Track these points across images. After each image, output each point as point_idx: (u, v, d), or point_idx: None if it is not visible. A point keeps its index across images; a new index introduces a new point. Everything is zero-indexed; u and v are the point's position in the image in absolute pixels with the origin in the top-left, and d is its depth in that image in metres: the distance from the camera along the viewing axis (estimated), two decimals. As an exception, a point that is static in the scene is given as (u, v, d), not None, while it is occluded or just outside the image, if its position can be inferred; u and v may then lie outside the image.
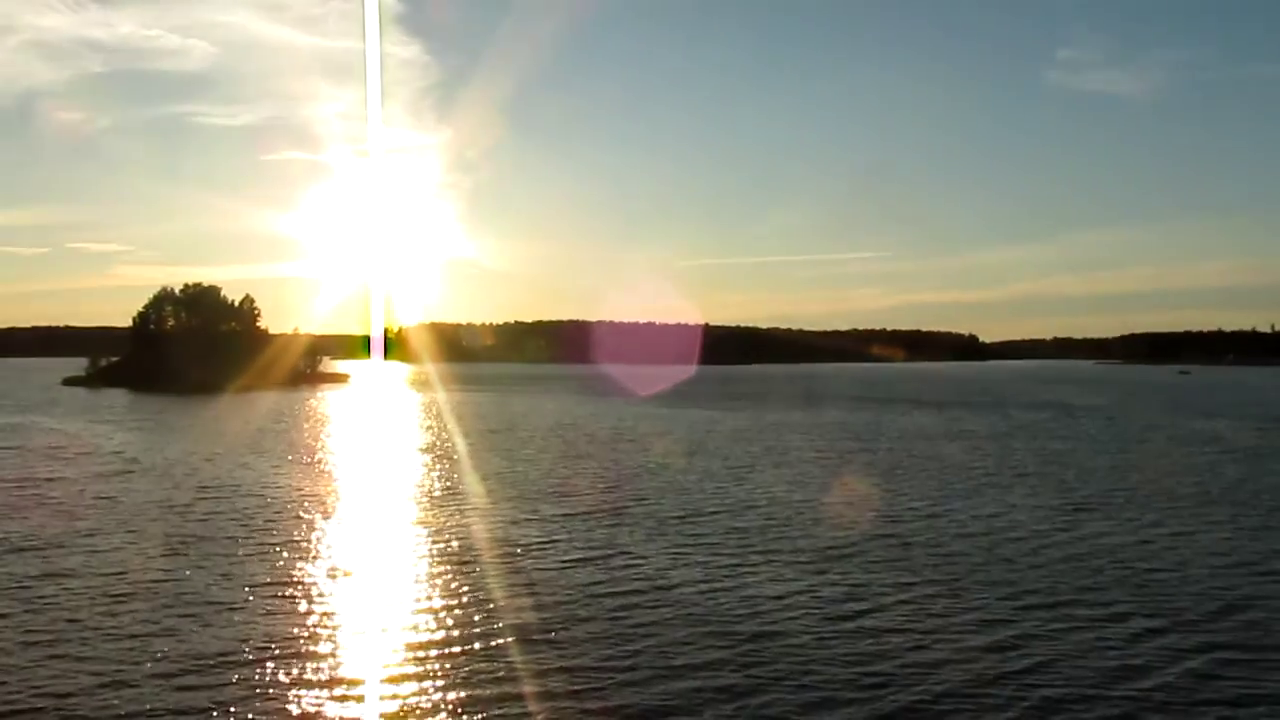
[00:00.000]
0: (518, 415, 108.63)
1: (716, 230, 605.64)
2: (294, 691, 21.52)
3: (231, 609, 27.89)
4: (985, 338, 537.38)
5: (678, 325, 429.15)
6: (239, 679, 22.14)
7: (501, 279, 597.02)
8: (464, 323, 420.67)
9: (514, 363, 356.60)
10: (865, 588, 30.84)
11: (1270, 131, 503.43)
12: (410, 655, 24.05)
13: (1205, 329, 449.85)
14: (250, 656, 23.64)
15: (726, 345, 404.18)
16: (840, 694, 21.71)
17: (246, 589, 30.11)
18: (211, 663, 23.17)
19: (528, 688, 21.81)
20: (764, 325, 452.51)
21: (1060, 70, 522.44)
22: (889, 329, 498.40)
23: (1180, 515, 44.05)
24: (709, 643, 24.99)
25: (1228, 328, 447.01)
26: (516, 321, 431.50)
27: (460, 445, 74.05)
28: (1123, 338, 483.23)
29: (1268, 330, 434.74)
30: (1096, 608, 28.63)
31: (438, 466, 61.03)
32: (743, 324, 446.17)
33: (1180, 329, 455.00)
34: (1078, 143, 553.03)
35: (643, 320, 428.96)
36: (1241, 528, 41.27)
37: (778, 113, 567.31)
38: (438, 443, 77.08)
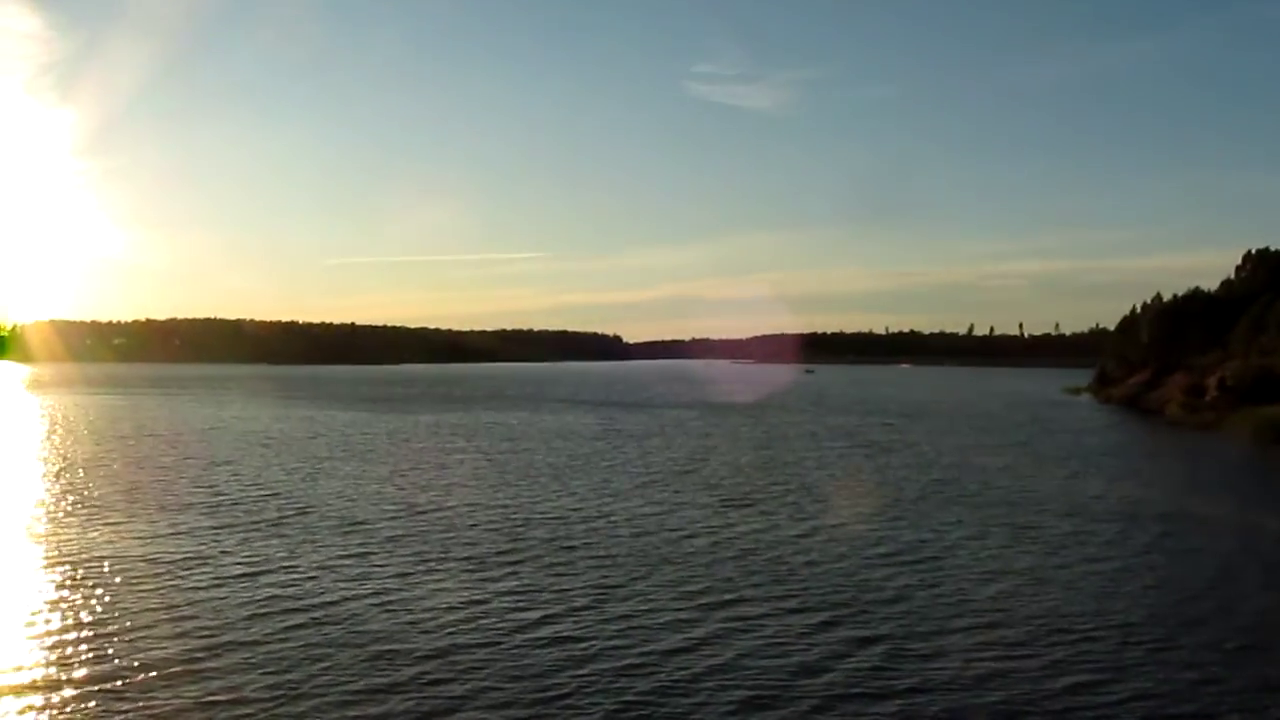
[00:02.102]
0: (154, 420, 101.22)
1: (365, 226, 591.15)
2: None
3: None
4: (629, 338, 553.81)
5: (323, 325, 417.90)
6: None
7: (134, 272, 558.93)
8: (89, 320, 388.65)
9: (150, 363, 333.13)
10: (536, 594, 30.41)
11: (885, 149, 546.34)
12: (35, 697, 21.30)
13: (829, 330, 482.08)
14: None
15: (376, 345, 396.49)
16: (521, 708, 21.07)
17: None
18: None
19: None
20: (413, 325, 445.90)
21: (699, 82, 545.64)
22: (538, 329, 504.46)
23: (828, 508, 46.58)
24: (378, 662, 23.69)
25: (848, 329, 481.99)
26: (149, 320, 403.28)
27: (87, 453, 67.59)
28: (757, 338, 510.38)
29: (883, 332, 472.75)
30: (763, 603, 29.49)
31: (59, 477, 55.11)
32: (390, 323, 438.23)
33: (808, 330, 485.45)
34: (716, 153, 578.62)
35: (285, 319, 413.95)
36: (884, 518, 44.03)
37: (427, 107, 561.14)
38: (59, 451, 69.80)
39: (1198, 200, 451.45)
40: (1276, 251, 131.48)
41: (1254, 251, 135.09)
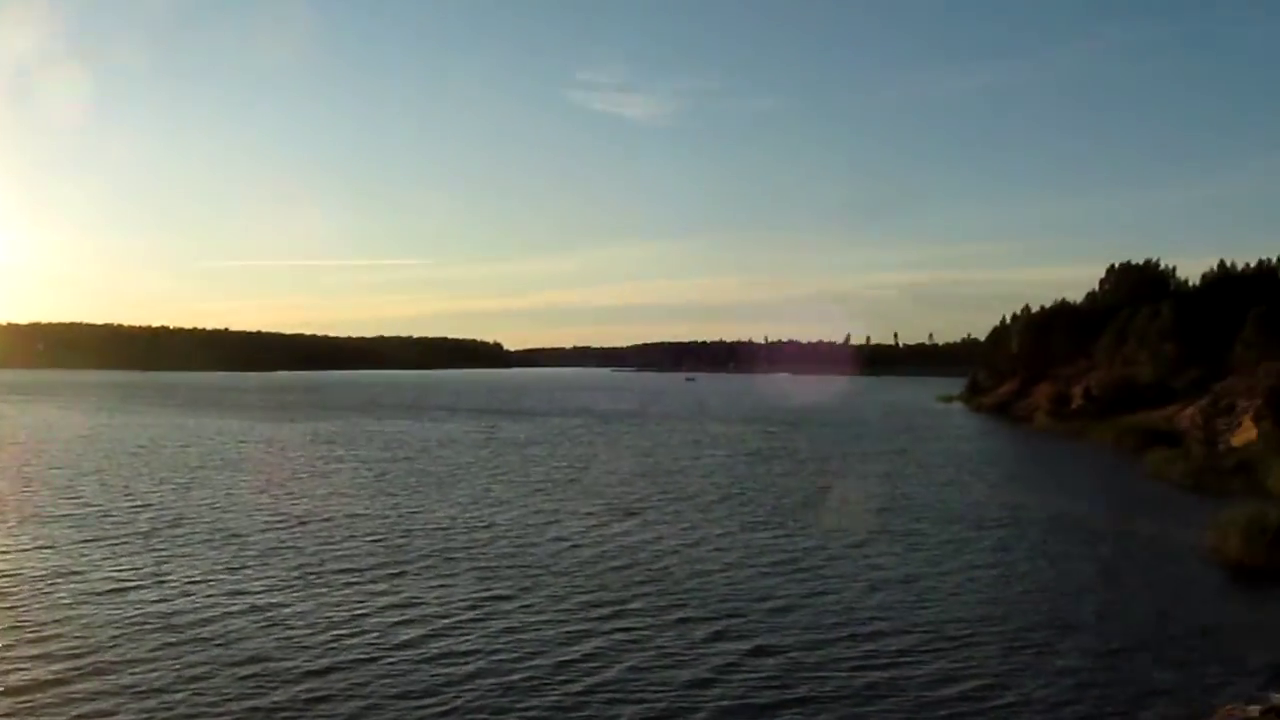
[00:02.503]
0: (14, 427, 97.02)
1: (240, 229, 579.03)
2: None
3: None
4: (509, 345, 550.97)
5: (196, 330, 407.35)
6: None
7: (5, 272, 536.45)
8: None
9: (12, 369, 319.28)
10: (418, 607, 29.73)
11: (766, 161, 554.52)
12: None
13: (709, 339, 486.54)
14: None
15: (250, 351, 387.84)
16: (408, 725, 20.55)
17: None
18: None
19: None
20: (289, 330, 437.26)
21: (580, 90, 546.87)
22: (417, 336, 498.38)
23: (712, 517, 46.68)
24: (256, 681, 22.74)
25: (729, 338, 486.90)
26: (9, 324, 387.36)
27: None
28: (637, 346, 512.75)
29: (762, 340, 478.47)
30: (650, 614, 29.28)
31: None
32: (265, 329, 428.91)
33: (688, 339, 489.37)
34: (597, 161, 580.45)
35: (157, 324, 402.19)
36: (767, 526, 44.26)
37: (303, 109, 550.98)
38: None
39: (1065, 215, 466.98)
40: (1137, 266, 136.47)
41: (1116, 265, 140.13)
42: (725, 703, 22.02)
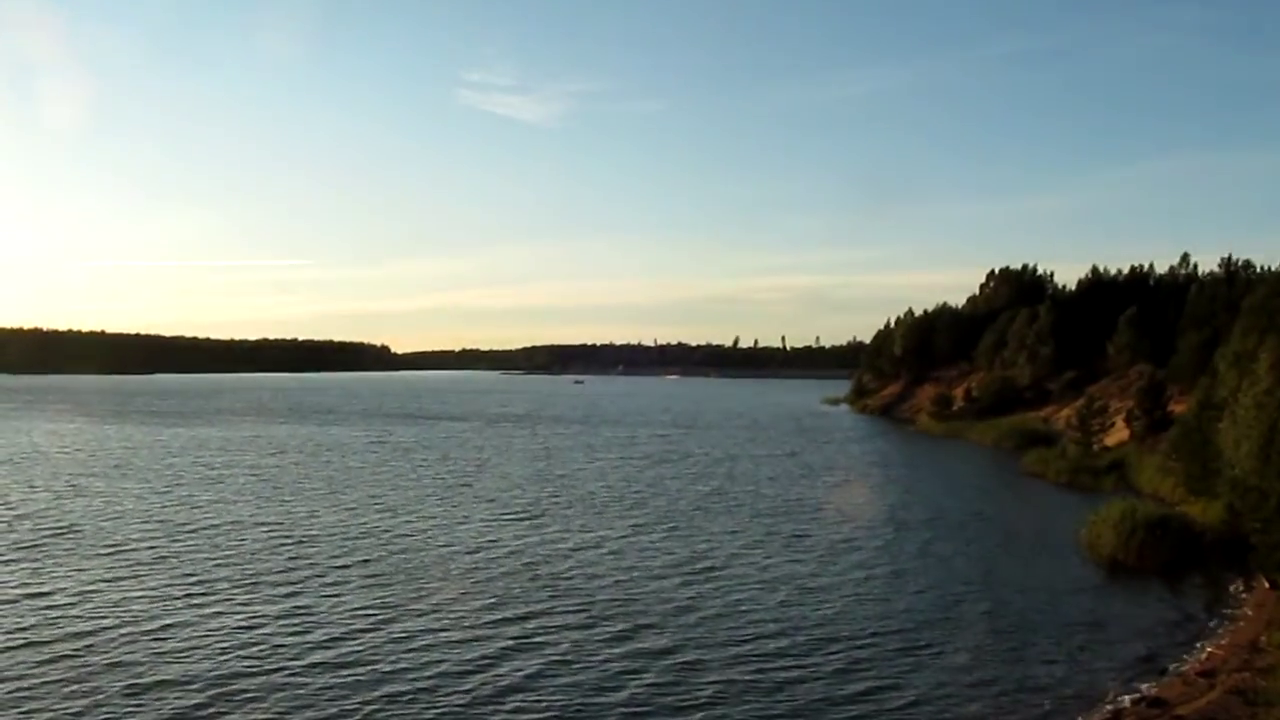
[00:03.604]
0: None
1: (119, 229, 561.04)
2: None
3: None
4: (397, 348, 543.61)
5: (71, 332, 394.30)
6: None
7: None
8: None
9: None
10: (314, 616, 29.48)
11: (653, 164, 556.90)
12: None
13: (598, 342, 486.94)
14: None
15: (128, 353, 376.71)
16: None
17: None
18: None
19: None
20: (169, 333, 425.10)
21: (471, 91, 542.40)
22: (302, 339, 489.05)
23: (607, 521, 47.02)
24: (149, 695, 22.43)
25: (618, 341, 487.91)
26: None
27: None
28: (524, 349, 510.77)
29: (651, 344, 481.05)
30: (550, 618, 29.54)
31: None
32: (145, 331, 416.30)
33: (575, 342, 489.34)
34: (488, 162, 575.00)
35: (29, 326, 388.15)
36: (663, 529, 44.78)
37: (182, 107, 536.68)
38: None
39: (947, 221, 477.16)
40: (1016, 271, 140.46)
41: (997, 270, 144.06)
42: (631, 706, 22.34)
